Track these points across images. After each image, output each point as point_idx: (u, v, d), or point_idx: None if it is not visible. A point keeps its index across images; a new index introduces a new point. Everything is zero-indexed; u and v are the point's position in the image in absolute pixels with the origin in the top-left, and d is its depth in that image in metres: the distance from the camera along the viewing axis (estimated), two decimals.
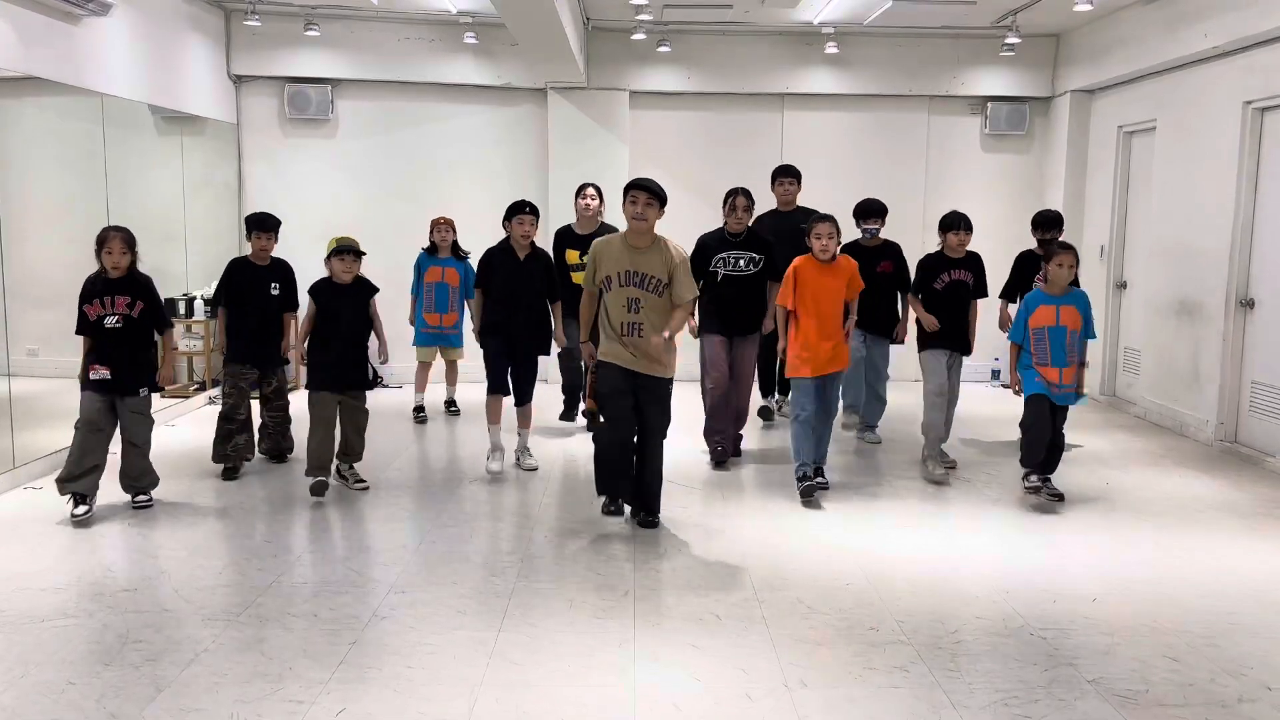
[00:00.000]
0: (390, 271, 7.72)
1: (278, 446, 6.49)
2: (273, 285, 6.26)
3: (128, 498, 5.52)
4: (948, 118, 9.93)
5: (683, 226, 8.07)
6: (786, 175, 7.39)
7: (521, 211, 6.21)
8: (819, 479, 5.86)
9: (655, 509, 5.30)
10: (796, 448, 5.81)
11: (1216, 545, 5.10)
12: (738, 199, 6.42)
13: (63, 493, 5.25)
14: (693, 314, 5.86)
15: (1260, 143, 7.00)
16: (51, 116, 6.88)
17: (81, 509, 5.23)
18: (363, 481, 5.96)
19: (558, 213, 9.21)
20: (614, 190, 9.30)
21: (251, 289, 6.22)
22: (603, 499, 5.47)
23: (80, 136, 7.04)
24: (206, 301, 8.22)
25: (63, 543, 4.95)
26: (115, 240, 5.28)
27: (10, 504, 5.61)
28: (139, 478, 5.48)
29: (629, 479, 5.27)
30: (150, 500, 5.53)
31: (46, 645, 3.75)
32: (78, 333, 5.31)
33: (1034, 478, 5.77)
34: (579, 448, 7.01)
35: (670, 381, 5.20)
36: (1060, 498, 5.70)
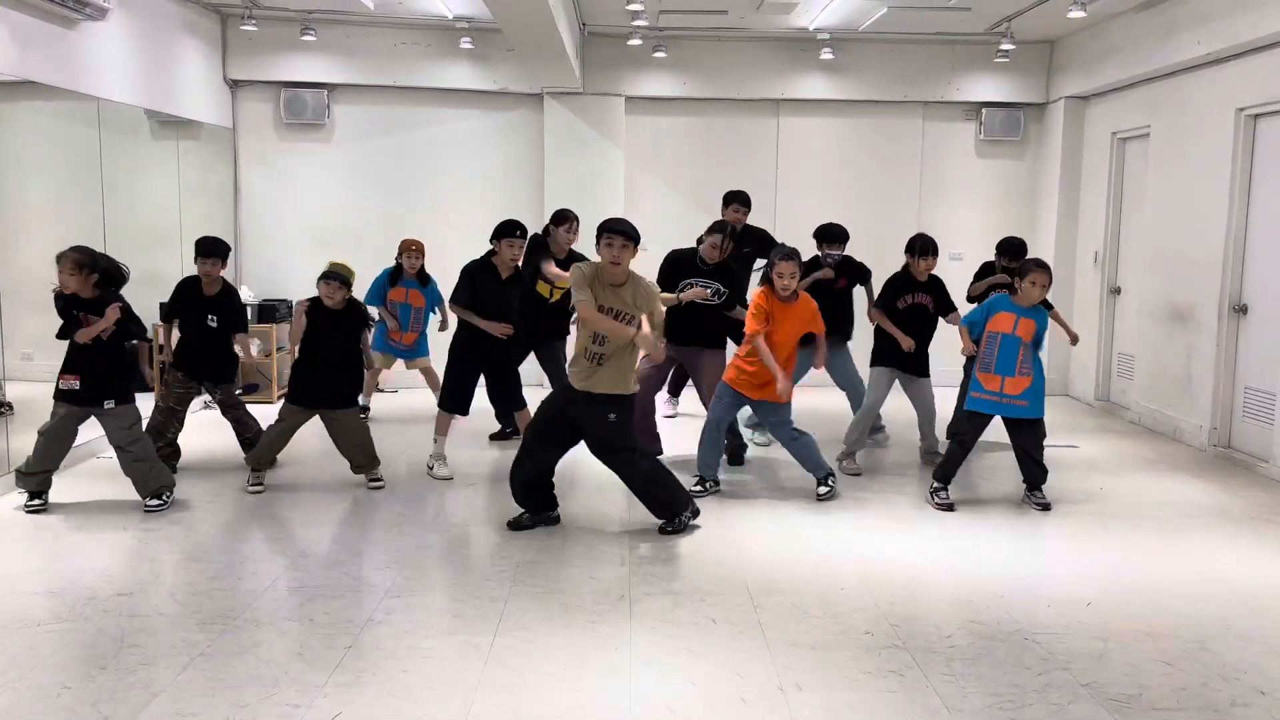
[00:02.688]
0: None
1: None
2: (210, 318, 6.20)
3: (134, 499, 5.52)
4: (942, 124, 9.96)
5: (678, 231, 8.12)
6: (740, 202, 7.35)
7: (512, 235, 6.16)
8: (828, 484, 5.93)
9: (666, 515, 5.25)
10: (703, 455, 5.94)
11: (1210, 550, 5.12)
12: (724, 239, 6.35)
13: (19, 485, 5.46)
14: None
15: (1253, 149, 7.04)
16: (47, 120, 6.88)
17: (36, 502, 5.45)
18: (378, 481, 6.03)
19: None
20: (610, 196, 9.39)
21: (191, 311, 6.23)
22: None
23: (76, 141, 7.04)
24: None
25: (57, 547, 4.94)
26: (65, 260, 5.25)
27: (4, 508, 5.59)
28: (143, 483, 5.48)
29: (545, 494, 5.32)
30: (164, 503, 5.51)
31: (41, 649, 3.75)
32: (59, 337, 5.37)
33: (944, 494, 5.76)
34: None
35: (625, 399, 5.10)
36: (1046, 507, 5.73)
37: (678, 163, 9.78)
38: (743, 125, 9.85)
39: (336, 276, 5.86)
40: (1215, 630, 4.09)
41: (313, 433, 6.43)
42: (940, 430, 6.51)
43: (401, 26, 9.24)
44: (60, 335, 5.36)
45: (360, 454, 6.01)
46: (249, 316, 6.91)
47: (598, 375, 5.03)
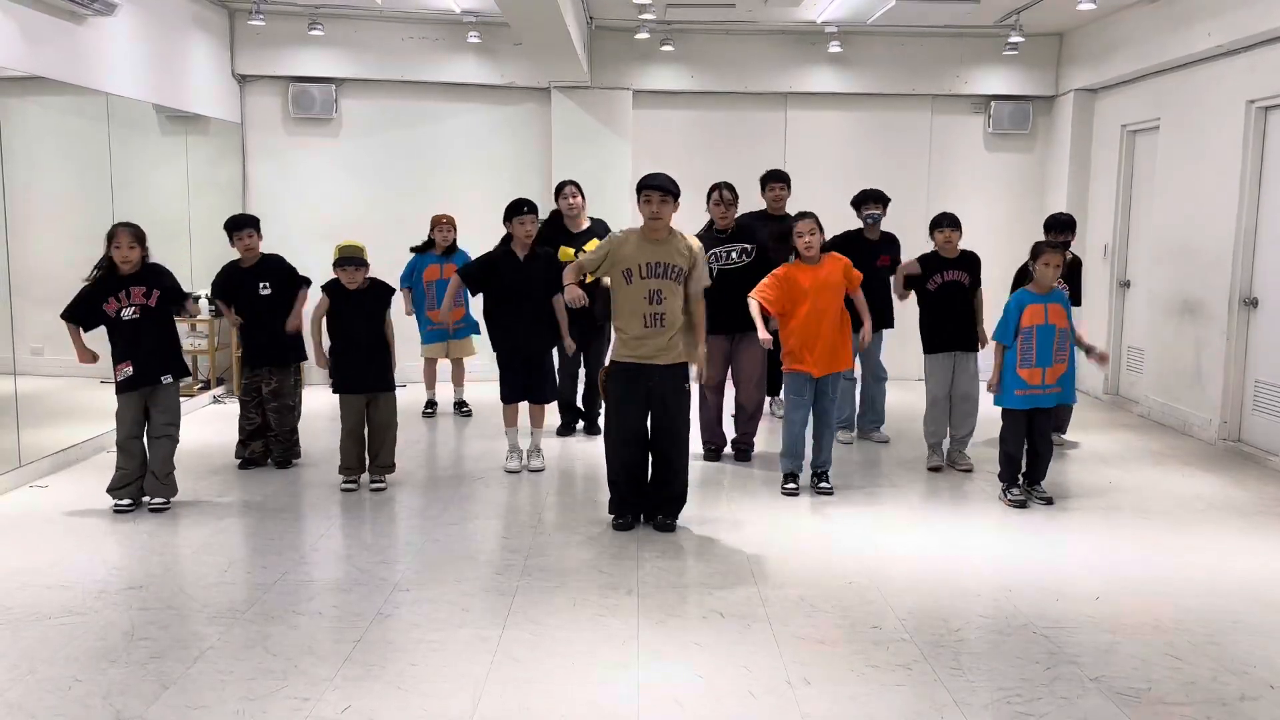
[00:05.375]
0: (395, 270, 7.73)
1: (282, 454, 6.39)
2: (262, 285, 6.27)
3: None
4: (951, 117, 9.93)
5: (685, 224, 8.09)
6: (777, 180, 7.18)
7: (521, 212, 6.14)
8: (822, 484, 5.89)
9: (675, 513, 5.24)
10: (788, 448, 5.88)
11: (1219, 544, 5.11)
12: (724, 192, 6.41)
13: (115, 499, 5.42)
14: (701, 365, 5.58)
15: (1263, 141, 7.00)
16: (56, 116, 6.90)
17: (126, 501, 5.42)
18: (381, 484, 5.93)
19: None
20: (618, 189, 9.38)
21: (242, 290, 6.34)
22: (612, 516, 5.33)
23: (85, 136, 7.06)
24: (211, 300, 8.22)
25: (68, 540, 4.97)
26: (123, 235, 5.37)
27: (16, 502, 5.63)
28: (164, 479, 5.46)
29: (643, 496, 5.24)
30: (167, 504, 5.49)
31: (52, 642, 3.77)
32: (71, 318, 5.37)
33: (1015, 490, 5.74)
34: (583, 447, 7.02)
35: (686, 368, 5.13)
36: (1049, 501, 5.71)
37: (685, 156, 9.74)
38: (750, 119, 9.83)
39: (352, 260, 5.83)
40: (1224, 624, 4.08)
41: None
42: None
43: (409, 21, 9.24)
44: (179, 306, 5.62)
45: (378, 441, 5.91)
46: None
47: (665, 342, 5.00)
